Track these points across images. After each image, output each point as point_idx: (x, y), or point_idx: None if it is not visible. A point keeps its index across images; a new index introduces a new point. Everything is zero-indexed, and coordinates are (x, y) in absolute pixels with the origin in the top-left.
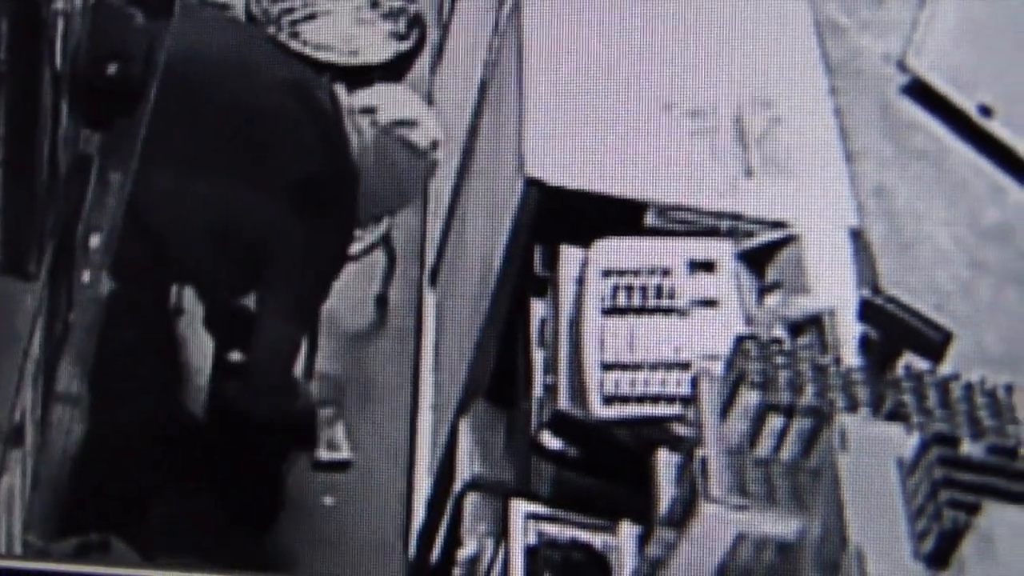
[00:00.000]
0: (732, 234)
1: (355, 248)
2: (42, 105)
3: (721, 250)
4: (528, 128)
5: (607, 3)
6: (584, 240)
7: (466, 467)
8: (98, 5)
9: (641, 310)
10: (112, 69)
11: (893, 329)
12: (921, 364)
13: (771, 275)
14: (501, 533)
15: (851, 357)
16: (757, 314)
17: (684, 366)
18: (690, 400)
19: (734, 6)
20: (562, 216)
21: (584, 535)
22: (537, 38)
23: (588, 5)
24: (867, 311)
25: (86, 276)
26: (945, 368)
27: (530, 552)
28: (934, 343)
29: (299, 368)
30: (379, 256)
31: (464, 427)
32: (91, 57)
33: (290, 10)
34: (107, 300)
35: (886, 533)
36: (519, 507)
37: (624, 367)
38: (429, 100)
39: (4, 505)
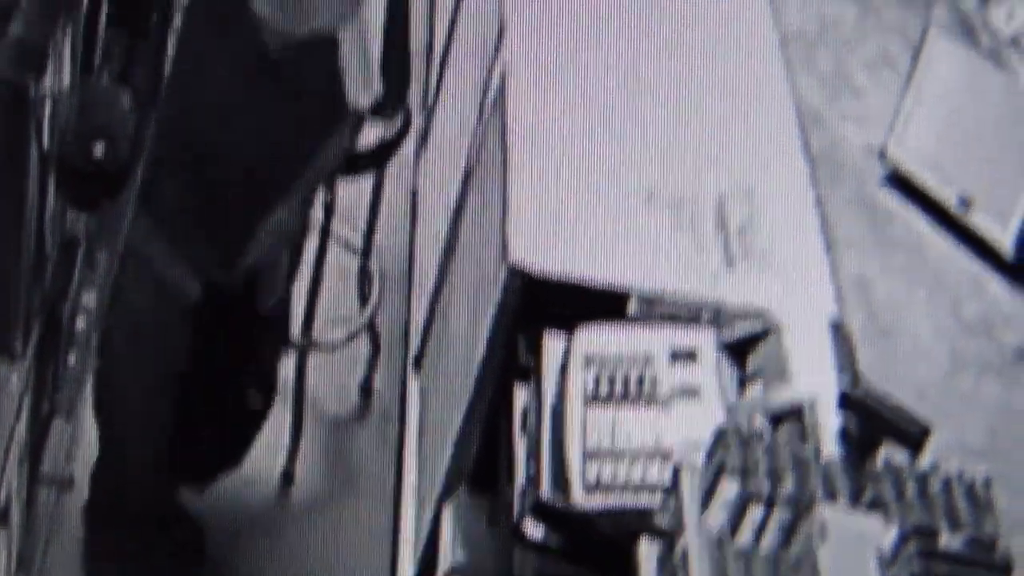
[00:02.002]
0: (714, 324)
1: (339, 335)
2: (29, 185)
3: (703, 340)
4: (512, 215)
5: (591, 91)
6: (567, 327)
7: (449, 554)
8: (85, 85)
9: (623, 398)
10: (99, 150)
11: (873, 420)
12: (901, 456)
13: (752, 365)
14: None
15: (831, 448)
16: (738, 404)
17: (665, 455)
18: (671, 490)
19: (716, 95)
20: (545, 303)
21: None
22: (521, 125)
23: (572, 93)
24: (847, 402)
25: (72, 357)
26: (925, 460)
27: None
28: (913, 435)
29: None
30: (363, 343)
31: (447, 514)
32: (78, 137)
33: None
34: None
35: None
36: None
37: (606, 456)
38: (414, 188)
39: None
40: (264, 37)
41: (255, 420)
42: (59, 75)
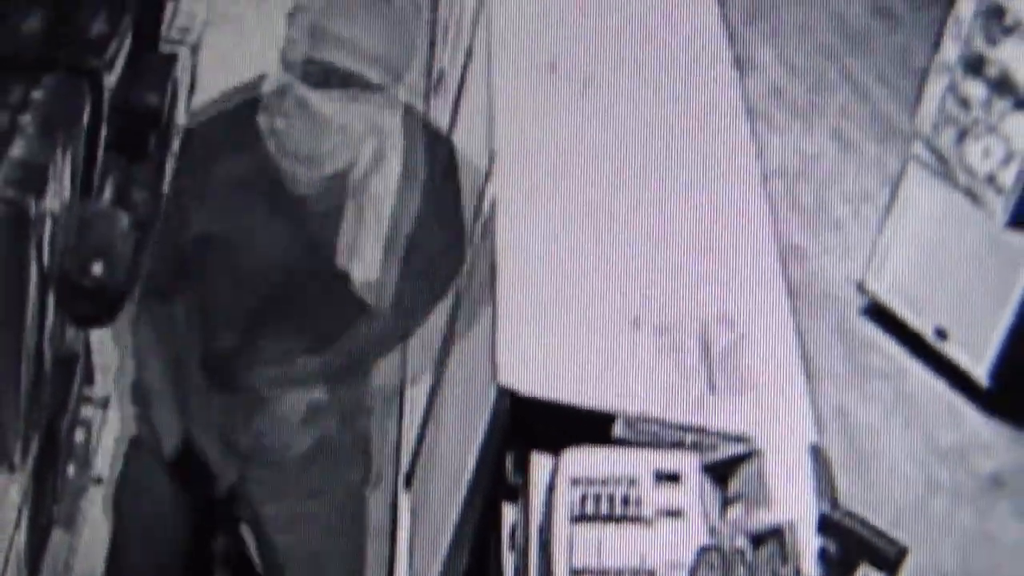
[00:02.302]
0: (697, 447)
1: None
2: (29, 302)
3: (686, 462)
4: (501, 339)
5: (578, 219)
6: (554, 448)
7: None
8: (84, 206)
9: (608, 518)
10: (98, 269)
11: (851, 542)
12: None
13: (734, 488)
14: None
15: (810, 569)
16: (720, 525)
17: (650, 574)
18: None
19: (700, 225)
20: (533, 424)
21: None
22: (510, 250)
23: (559, 220)
24: (826, 525)
25: (71, 469)
26: None
27: None
28: (890, 557)
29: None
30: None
31: None
32: (77, 257)
33: None
34: None
35: None
36: None
37: (592, 573)
38: None
39: None
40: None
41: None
42: (59, 196)
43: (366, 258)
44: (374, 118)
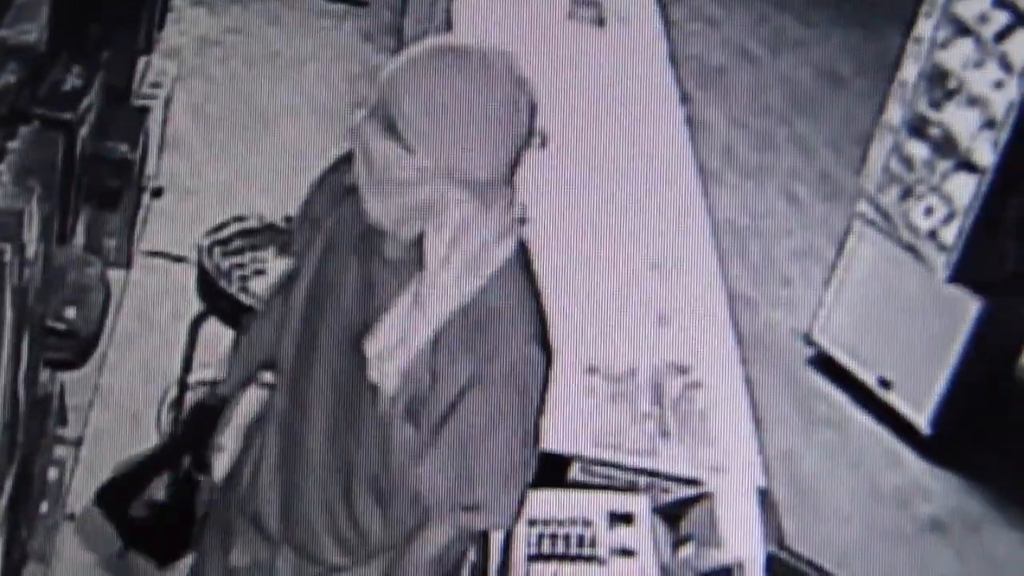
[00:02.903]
0: (649, 490)
1: None
2: (4, 345)
3: (639, 504)
4: None
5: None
6: None
7: None
8: (59, 253)
9: (564, 557)
10: (71, 313)
11: None
12: None
13: (685, 529)
14: None
15: None
16: (671, 565)
17: None
18: None
19: (654, 278)
20: None
21: None
22: None
23: None
24: (773, 565)
25: (44, 506)
26: None
27: None
28: None
29: None
30: None
31: None
32: (51, 302)
33: (240, 265)
34: None
35: None
36: None
37: None
38: None
39: None
40: None
41: None
42: (34, 243)
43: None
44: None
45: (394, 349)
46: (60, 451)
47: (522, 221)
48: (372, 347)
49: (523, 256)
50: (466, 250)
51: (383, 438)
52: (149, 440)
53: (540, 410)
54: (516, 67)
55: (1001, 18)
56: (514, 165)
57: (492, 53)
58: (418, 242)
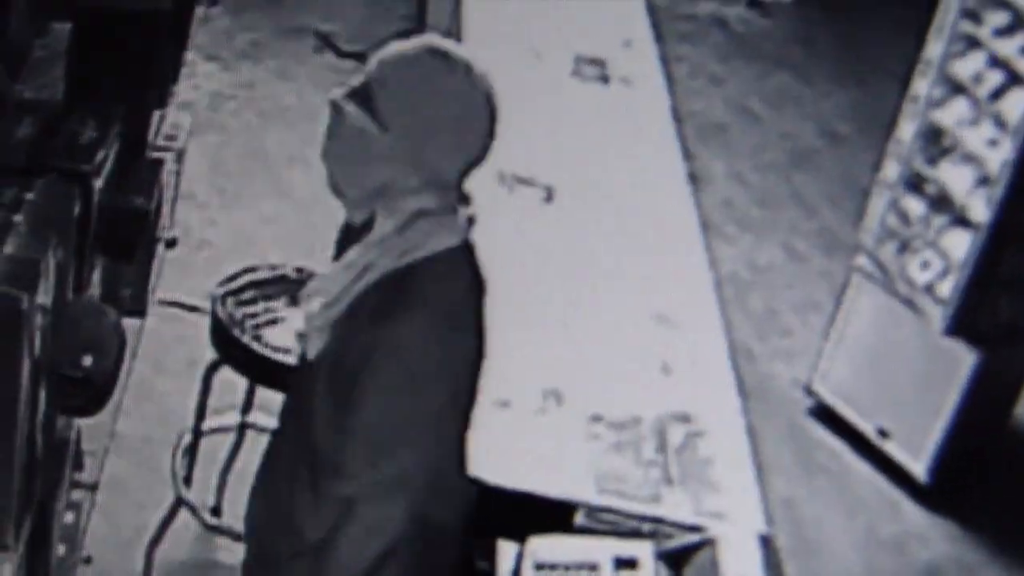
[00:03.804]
0: (653, 536)
1: None
2: (21, 392)
3: (644, 550)
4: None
5: (544, 323)
6: (520, 536)
7: None
8: (75, 302)
9: None
10: (87, 361)
11: None
12: None
13: (688, 574)
14: None
15: None
16: None
17: None
18: None
19: (657, 329)
20: (500, 513)
21: None
22: None
23: (524, 321)
24: None
25: (61, 549)
26: None
27: None
28: None
29: None
30: None
31: None
32: (68, 350)
33: (253, 315)
34: None
35: None
36: None
37: None
38: None
39: None
40: None
41: None
42: (50, 292)
43: None
44: None
45: (317, 314)
46: (77, 495)
47: (471, 221)
48: (305, 311)
49: (467, 253)
50: (408, 237)
51: (310, 413)
52: (164, 485)
53: (460, 396)
54: (492, 85)
55: (995, 78)
56: (469, 170)
57: (476, 65)
58: (368, 224)
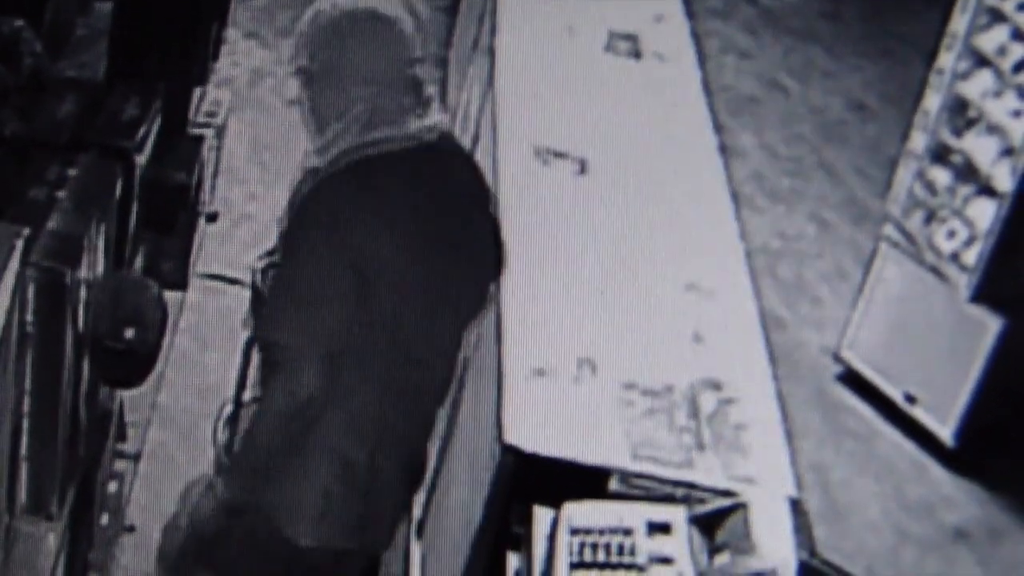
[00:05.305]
0: (686, 501)
1: None
2: (65, 364)
3: (676, 514)
4: (507, 401)
5: (577, 293)
6: (555, 501)
7: None
8: (118, 276)
9: (605, 565)
10: (130, 334)
11: None
12: None
13: (721, 538)
14: None
15: None
16: (708, 572)
17: None
18: None
19: (689, 298)
20: (536, 479)
21: None
22: (515, 322)
23: (559, 294)
24: (805, 572)
25: (104, 518)
26: None
27: None
28: None
29: None
30: None
31: None
32: (111, 323)
33: None
34: None
35: None
36: None
37: None
38: None
39: None
40: None
41: None
42: (93, 266)
43: None
44: None
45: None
46: (120, 465)
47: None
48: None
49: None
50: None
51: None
52: (205, 455)
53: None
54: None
55: (1019, 51)
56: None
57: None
58: None
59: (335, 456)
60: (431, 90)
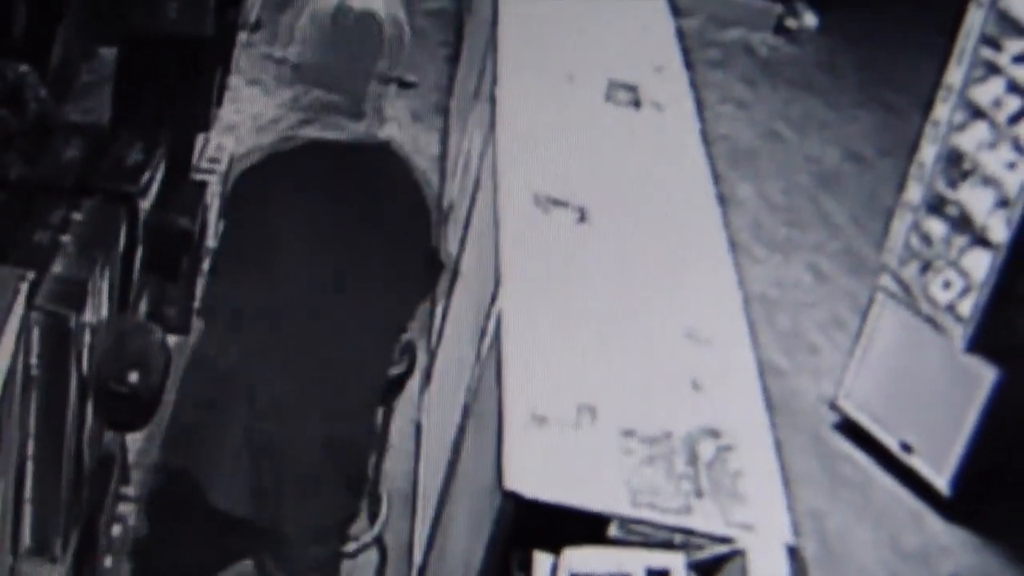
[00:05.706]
0: (685, 547)
1: (351, 548)
2: (69, 407)
3: (675, 561)
4: (507, 447)
5: (578, 338)
6: (555, 547)
7: None
8: (122, 320)
9: None
10: (133, 378)
11: None
12: None
13: None
14: None
15: None
16: None
17: None
18: None
19: (687, 347)
20: (536, 525)
21: None
22: (516, 366)
23: (560, 339)
24: None
25: (108, 561)
26: None
27: None
28: None
29: None
30: (373, 555)
31: None
32: (115, 367)
33: None
34: None
35: None
36: None
37: None
38: (418, 425)
39: None
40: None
41: None
42: (97, 311)
43: None
44: None
45: None
46: (123, 508)
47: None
48: None
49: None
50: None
51: None
52: None
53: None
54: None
55: (1014, 103)
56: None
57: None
58: None
59: (243, 423)
60: (390, 111)
